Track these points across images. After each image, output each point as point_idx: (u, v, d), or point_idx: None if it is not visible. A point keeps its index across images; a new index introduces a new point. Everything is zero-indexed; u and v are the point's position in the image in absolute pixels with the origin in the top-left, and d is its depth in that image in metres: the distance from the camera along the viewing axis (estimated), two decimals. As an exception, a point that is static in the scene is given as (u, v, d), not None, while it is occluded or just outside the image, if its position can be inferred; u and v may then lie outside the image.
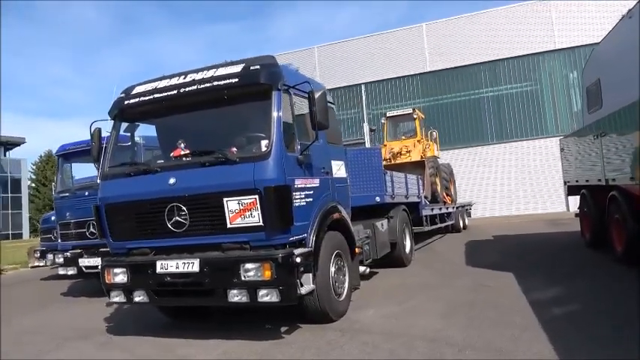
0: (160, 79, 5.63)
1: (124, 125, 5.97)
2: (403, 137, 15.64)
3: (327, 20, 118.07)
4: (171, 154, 5.43)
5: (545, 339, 4.43)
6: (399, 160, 14.39)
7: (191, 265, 4.95)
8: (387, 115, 15.99)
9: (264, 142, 4.91)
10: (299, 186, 5.15)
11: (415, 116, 15.26)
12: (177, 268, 5.02)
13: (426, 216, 11.69)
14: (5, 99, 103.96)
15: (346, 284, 6.04)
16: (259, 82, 5.01)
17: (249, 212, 4.78)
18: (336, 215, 5.90)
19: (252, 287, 4.76)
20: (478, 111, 26.33)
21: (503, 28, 25.29)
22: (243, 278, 4.75)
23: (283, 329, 5.51)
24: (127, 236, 5.48)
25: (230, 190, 4.82)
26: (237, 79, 5.03)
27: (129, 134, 6.15)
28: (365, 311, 6.06)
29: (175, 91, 5.30)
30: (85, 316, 7.48)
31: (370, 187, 8.39)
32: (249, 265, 4.74)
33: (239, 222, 4.84)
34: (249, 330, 5.61)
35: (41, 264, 12.79)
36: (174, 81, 5.42)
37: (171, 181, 5.06)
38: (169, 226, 5.12)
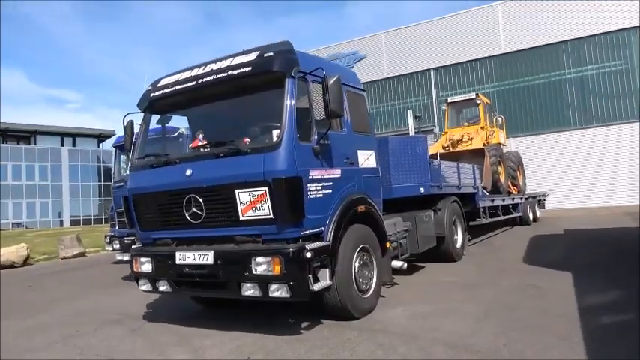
0: (184, 70, 5.64)
1: (155, 117, 6.08)
2: (466, 124, 14.77)
3: (402, 5, 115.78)
4: (190, 146, 5.42)
5: (583, 350, 3.91)
6: (459, 148, 13.60)
7: (206, 257, 4.94)
8: (448, 100, 15.19)
9: (275, 132, 4.74)
10: (314, 177, 4.93)
11: (479, 101, 14.32)
12: (193, 259, 5.03)
13: (483, 208, 10.94)
14: (98, 95, 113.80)
15: (374, 280, 5.75)
16: (272, 70, 4.84)
17: (260, 204, 4.65)
18: (361, 208, 5.61)
19: (263, 281, 4.65)
20: (559, 94, 24.34)
21: (587, 2, 22.99)
22: (254, 272, 4.65)
23: (304, 324, 5.36)
24: (152, 226, 5.59)
25: (241, 181, 4.72)
26: (250, 68, 4.90)
27: (160, 126, 6.25)
28: (393, 309, 5.74)
29: (194, 82, 5.29)
30: (132, 300, 7.80)
31: (414, 178, 7.92)
32: (259, 259, 4.63)
33: (250, 214, 4.73)
34: (272, 323, 5.53)
35: (110, 248, 13.66)
36: (195, 72, 5.40)
37: (188, 172, 5.05)
38: (187, 218, 5.14)
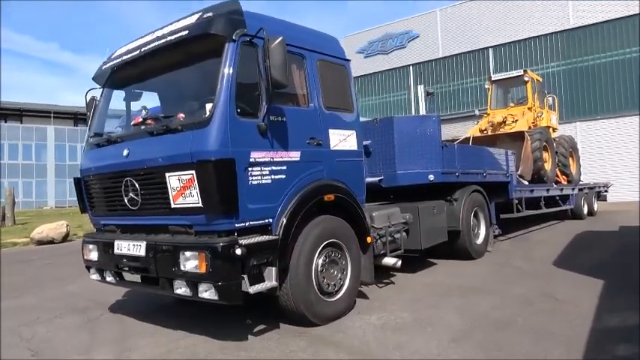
0: (136, 39, 5.04)
1: (114, 92, 5.54)
2: (512, 104, 13.22)
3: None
4: (132, 122, 4.83)
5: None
6: (500, 131, 12.15)
7: (139, 248, 4.37)
8: (492, 78, 13.64)
9: (208, 106, 4.02)
10: (258, 160, 4.17)
11: (527, 79, 12.67)
12: (128, 250, 4.49)
13: (519, 199, 9.62)
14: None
15: (346, 282, 4.94)
16: (209, 33, 4.10)
17: (189, 190, 3.99)
18: (329, 196, 4.80)
19: (191, 279, 4.01)
20: (636, 74, 21.59)
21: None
22: (182, 268, 4.02)
23: (258, 328, 4.70)
24: (100, 211, 5.12)
25: (169, 163, 4.08)
26: (187, 32, 4.20)
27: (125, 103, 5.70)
28: (367, 316, 4.91)
29: (137, 52, 4.68)
30: (114, 288, 7.44)
31: (423, 163, 6.94)
32: (188, 254, 3.99)
33: (181, 202, 4.09)
34: (224, 323, 4.91)
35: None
36: (142, 40, 4.79)
37: (125, 152, 4.49)
38: (127, 203, 4.59)
